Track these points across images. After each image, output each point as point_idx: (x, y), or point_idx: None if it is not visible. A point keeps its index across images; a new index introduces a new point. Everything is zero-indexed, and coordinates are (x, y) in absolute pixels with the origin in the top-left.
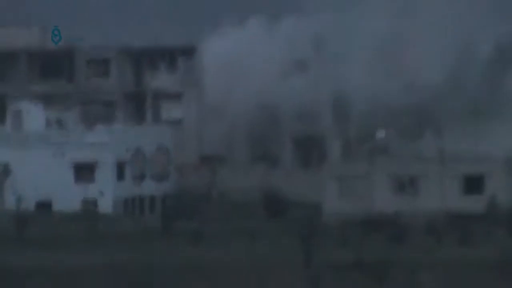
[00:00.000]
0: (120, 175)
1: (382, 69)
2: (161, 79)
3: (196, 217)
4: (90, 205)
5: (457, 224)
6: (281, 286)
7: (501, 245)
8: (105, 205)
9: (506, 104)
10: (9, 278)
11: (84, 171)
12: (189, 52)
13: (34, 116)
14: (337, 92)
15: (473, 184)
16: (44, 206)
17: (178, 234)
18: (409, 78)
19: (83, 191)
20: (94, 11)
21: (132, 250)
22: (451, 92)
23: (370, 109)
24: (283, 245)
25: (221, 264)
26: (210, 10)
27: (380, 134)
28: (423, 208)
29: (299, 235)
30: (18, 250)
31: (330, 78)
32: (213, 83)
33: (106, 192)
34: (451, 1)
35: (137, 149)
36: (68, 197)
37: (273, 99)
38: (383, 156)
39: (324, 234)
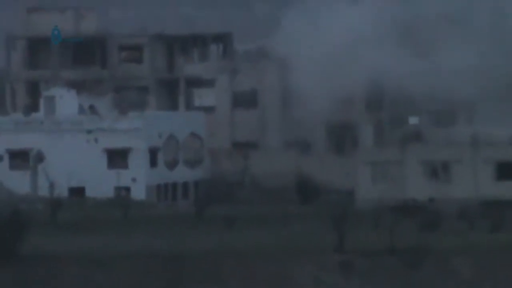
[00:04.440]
0: (153, 161)
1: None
2: (193, 66)
3: (229, 203)
4: (122, 191)
5: (490, 210)
6: (313, 272)
7: None
8: (138, 191)
9: None
10: (42, 264)
11: (117, 157)
12: (222, 38)
13: (67, 102)
14: (372, 78)
15: (506, 170)
16: (77, 192)
17: (211, 219)
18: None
19: (116, 177)
20: None
21: (165, 236)
22: (484, 76)
23: (403, 94)
24: (315, 230)
25: (253, 249)
26: None
27: (413, 120)
28: (456, 194)
29: (332, 220)
30: (51, 236)
31: (364, 64)
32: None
33: (138, 178)
34: None
35: (170, 135)
36: (100, 183)
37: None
38: (416, 142)
39: (356, 219)
